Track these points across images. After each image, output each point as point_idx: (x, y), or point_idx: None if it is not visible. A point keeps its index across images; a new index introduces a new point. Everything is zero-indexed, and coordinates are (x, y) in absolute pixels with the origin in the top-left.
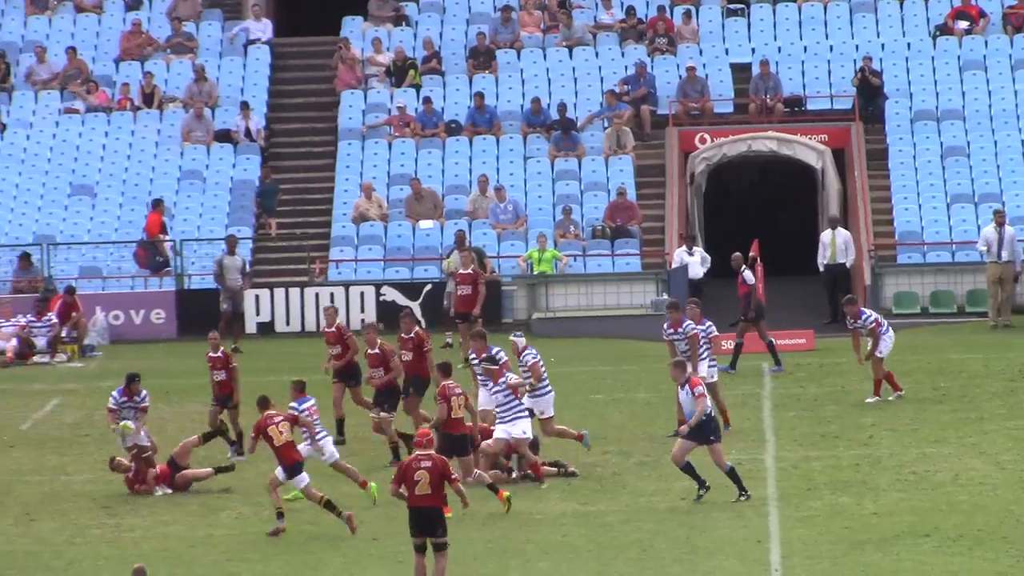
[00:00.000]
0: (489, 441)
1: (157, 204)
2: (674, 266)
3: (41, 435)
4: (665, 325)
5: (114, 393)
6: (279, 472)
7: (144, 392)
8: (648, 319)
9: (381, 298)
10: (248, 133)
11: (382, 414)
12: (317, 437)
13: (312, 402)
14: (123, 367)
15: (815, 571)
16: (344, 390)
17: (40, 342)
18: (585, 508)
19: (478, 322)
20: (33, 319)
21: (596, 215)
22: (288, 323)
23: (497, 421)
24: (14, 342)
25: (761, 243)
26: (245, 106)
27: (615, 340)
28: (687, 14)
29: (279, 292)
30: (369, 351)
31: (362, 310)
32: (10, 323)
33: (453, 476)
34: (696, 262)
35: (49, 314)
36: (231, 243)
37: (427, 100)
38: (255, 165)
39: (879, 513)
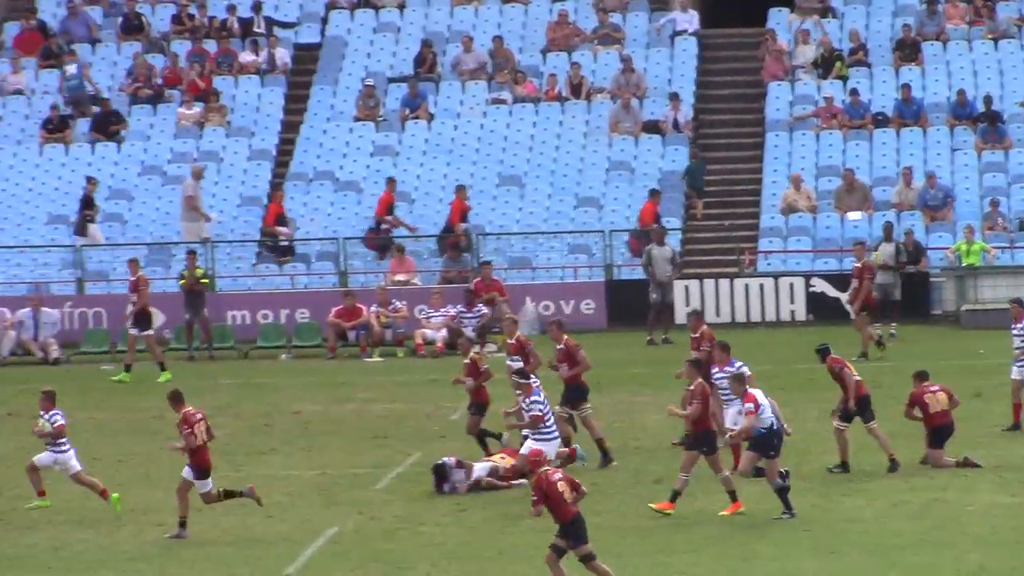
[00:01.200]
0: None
1: (654, 194)
2: None
3: None
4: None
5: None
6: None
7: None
8: None
9: (810, 289)
10: (676, 124)
11: (559, 408)
12: (60, 450)
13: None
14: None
15: None
16: (478, 421)
17: (469, 332)
18: (1015, 500)
19: (863, 316)
20: (463, 309)
21: (1023, 207)
22: (718, 314)
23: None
24: (444, 332)
25: None
26: (674, 97)
27: None
28: None
29: (708, 283)
30: (557, 347)
31: (792, 301)
32: (439, 313)
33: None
34: None
35: (479, 304)
36: (659, 234)
37: (854, 92)
38: (683, 156)
39: None
